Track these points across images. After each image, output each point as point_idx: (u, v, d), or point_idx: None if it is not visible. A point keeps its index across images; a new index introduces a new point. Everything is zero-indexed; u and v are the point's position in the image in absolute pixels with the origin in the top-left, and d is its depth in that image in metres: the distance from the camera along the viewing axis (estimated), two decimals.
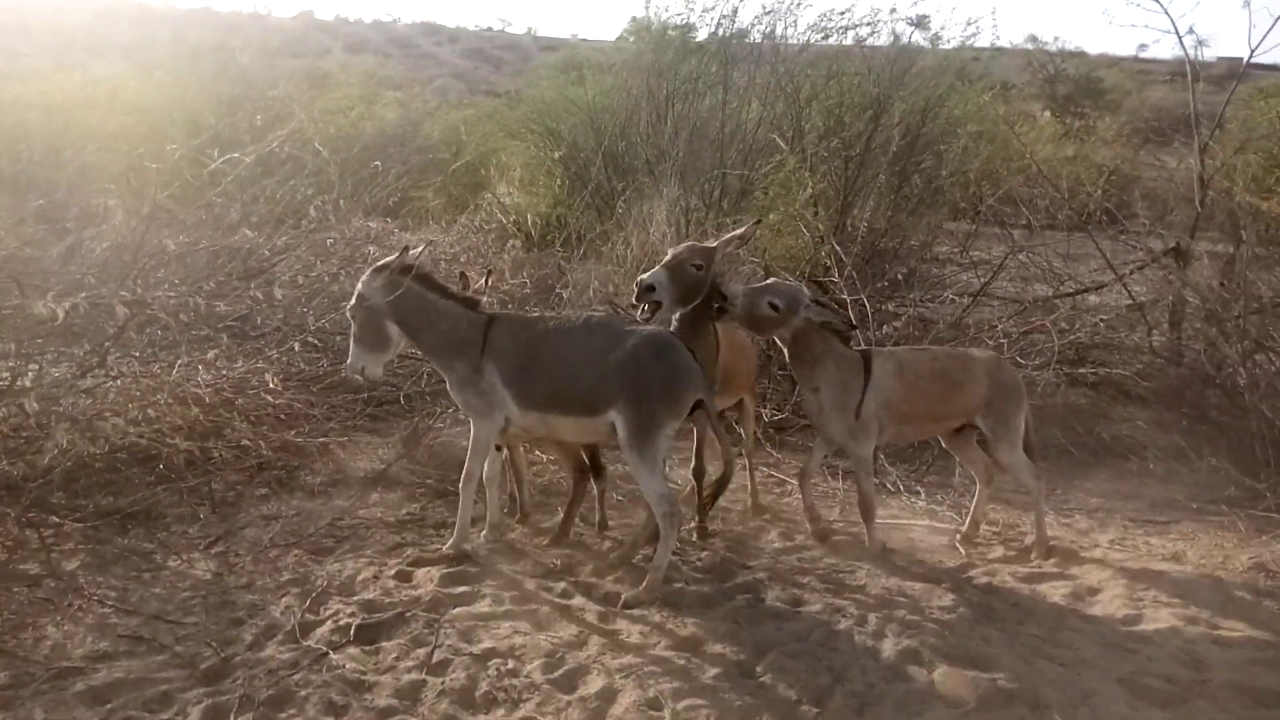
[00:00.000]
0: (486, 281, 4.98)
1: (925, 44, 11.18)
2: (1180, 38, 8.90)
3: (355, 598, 3.91)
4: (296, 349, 5.31)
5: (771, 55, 9.97)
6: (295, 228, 7.11)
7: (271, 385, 4.79)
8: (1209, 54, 21.53)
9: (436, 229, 9.72)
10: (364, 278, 4.27)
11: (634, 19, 12.92)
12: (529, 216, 9.96)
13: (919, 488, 5.64)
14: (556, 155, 10.59)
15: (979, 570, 4.45)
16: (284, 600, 3.88)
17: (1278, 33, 12.50)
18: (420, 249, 4.36)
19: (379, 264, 4.28)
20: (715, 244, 4.51)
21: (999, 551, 4.74)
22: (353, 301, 4.26)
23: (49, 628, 3.64)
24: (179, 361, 4.83)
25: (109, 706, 3.14)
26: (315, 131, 10.56)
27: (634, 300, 4.36)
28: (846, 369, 4.45)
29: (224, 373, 4.92)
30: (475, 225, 9.72)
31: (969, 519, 4.90)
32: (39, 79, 13.56)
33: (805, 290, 4.49)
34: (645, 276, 4.32)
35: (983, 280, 8.47)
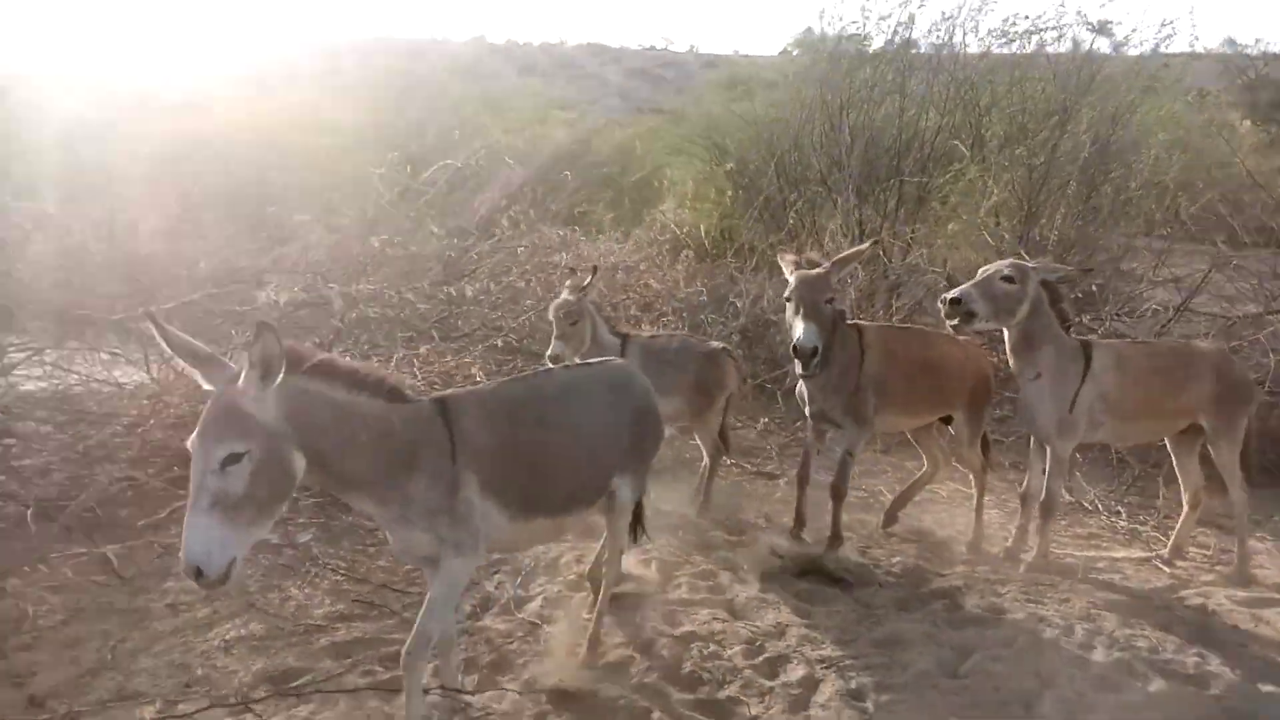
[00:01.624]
0: (593, 278, 4.97)
1: (1109, 51, 10.71)
2: None
3: (560, 578, 4.12)
4: (500, 345, 5.63)
5: (950, 63, 9.80)
6: (489, 236, 7.53)
7: (479, 379, 5.09)
8: None
9: (612, 240, 10.06)
10: (254, 387, 2.42)
11: (808, 29, 12.84)
12: (702, 228, 10.12)
13: (1119, 508, 5.41)
14: (728, 167, 10.73)
15: (1191, 592, 4.24)
16: (496, 577, 4.15)
17: None
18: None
19: (261, 357, 2.42)
20: (828, 265, 4.35)
21: (1211, 576, 4.50)
22: (226, 439, 2.38)
23: (292, 590, 4.03)
24: (396, 355, 5.20)
25: (350, 660, 3.45)
26: (503, 148, 11.16)
27: (944, 316, 4.18)
28: (1067, 356, 4.25)
29: (435, 366, 5.28)
30: (649, 238, 10.01)
31: (1172, 542, 4.68)
32: (243, 103, 14.79)
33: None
34: (950, 293, 4.17)
35: (1183, 295, 8.03)
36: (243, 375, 2.43)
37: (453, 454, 2.76)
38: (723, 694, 3.24)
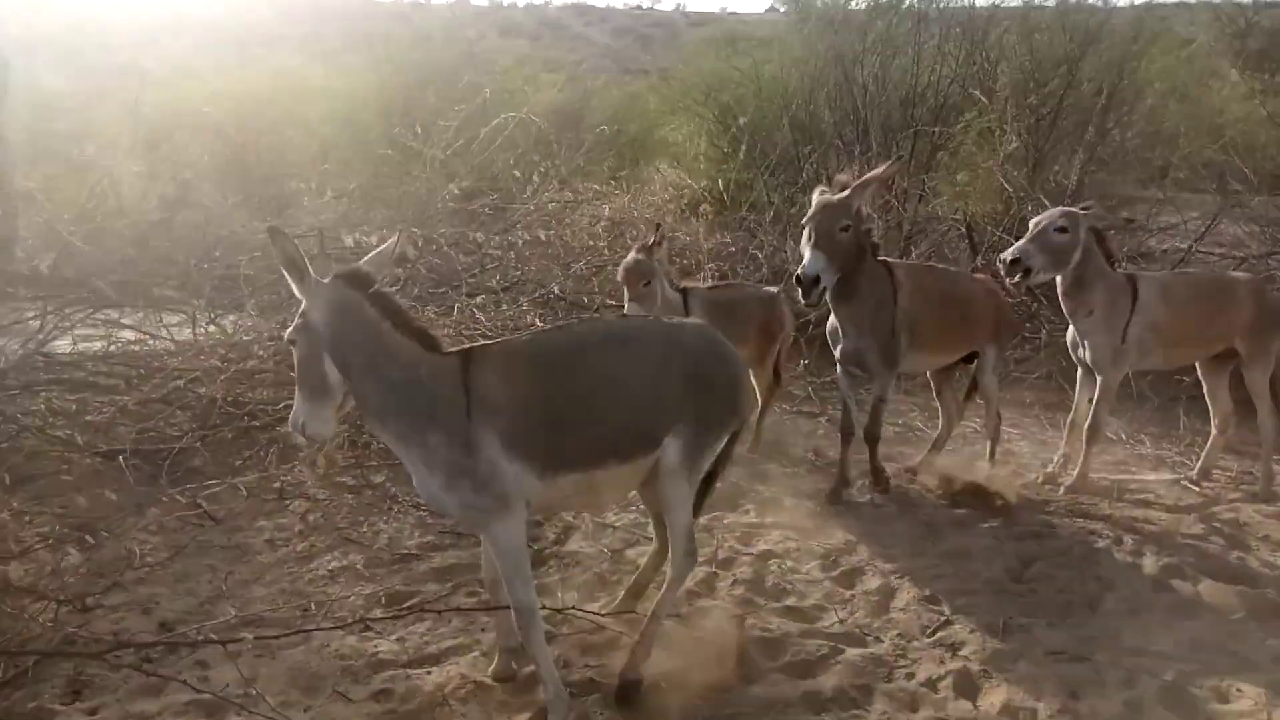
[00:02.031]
0: (657, 235, 4.82)
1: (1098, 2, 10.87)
2: None
3: (634, 507, 4.35)
4: (557, 291, 5.82)
5: (963, 15, 9.95)
6: (519, 193, 7.68)
7: (538, 325, 5.28)
8: None
9: (625, 197, 10.19)
10: (298, 288, 2.78)
11: None
12: (720, 183, 10.27)
13: (1143, 436, 5.69)
14: (741, 121, 10.84)
15: (1222, 507, 4.52)
16: None
17: None
18: (389, 245, 3.03)
19: (340, 271, 2.83)
20: (850, 190, 4.18)
21: (1237, 494, 4.77)
22: (294, 324, 2.81)
23: (380, 524, 4.25)
24: (456, 305, 5.39)
25: (451, 583, 3.69)
26: (509, 108, 11.22)
27: (1005, 275, 4.38)
28: (1116, 291, 4.51)
29: (493, 314, 5.47)
30: (667, 194, 10.16)
31: (1200, 464, 4.94)
32: (226, 71, 14.61)
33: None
34: (1009, 253, 4.37)
35: (1184, 242, 8.30)
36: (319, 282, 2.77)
37: (468, 411, 2.70)
38: (807, 602, 3.50)
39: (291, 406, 2.82)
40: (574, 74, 21.59)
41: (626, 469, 2.94)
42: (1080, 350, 4.67)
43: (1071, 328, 4.68)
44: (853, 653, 3.15)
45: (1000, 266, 4.40)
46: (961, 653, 3.13)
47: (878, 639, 3.25)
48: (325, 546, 4.03)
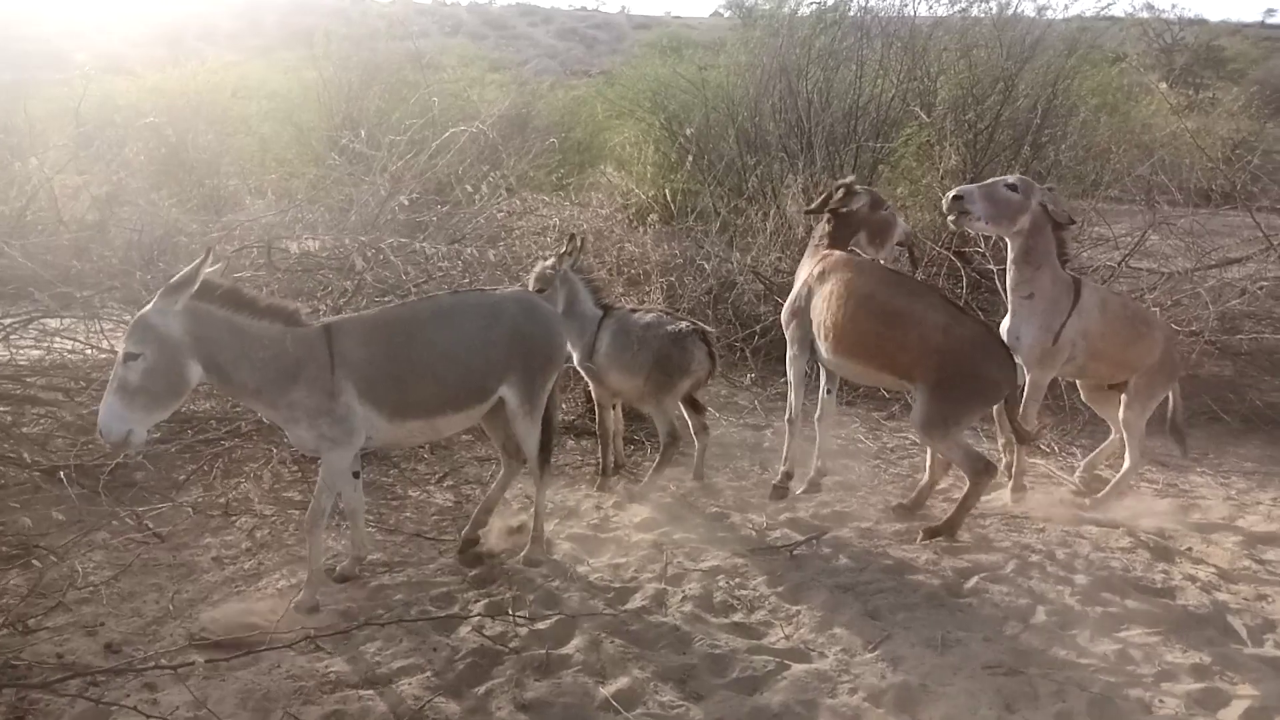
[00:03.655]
0: (569, 245, 4.82)
1: (1033, 14, 11.20)
2: None
3: (583, 522, 4.41)
4: None
5: (905, 30, 10.18)
6: (468, 203, 7.67)
7: None
8: None
9: (573, 205, 10.21)
10: (154, 304, 3.20)
11: None
12: (667, 193, 10.35)
13: (1074, 449, 5.89)
14: (688, 132, 10.94)
15: (1147, 520, 4.71)
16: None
17: None
18: (207, 258, 3.25)
19: (173, 282, 3.22)
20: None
21: (1165, 504, 4.97)
22: (131, 340, 3.17)
23: (329, 542, 4.21)
24: None
25: (405, 601, 3.69)
26: (453, 111, 11.13)
27: (945, 211, 4.46)
28: (1060, 286, 4.52)
29: None
30: (614, 203, 10.20)
31: (1086, 460, 5.17)
32: (160, 64, 14.23)
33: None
34: (954, 190, 4.46)
35: (1112, 254, 8.59)
36: (157, 297, 3.21)
37: (331, 367, 3.43)
38: (754, 618, 3.58)
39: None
40: (519, 75, 21.53)
41: (462, 415, 3.81)
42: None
43: (1005, 324, 4.67)
44: (798, 668, 3.23)
45: (944, 202, 4.45)
46: (902, 667, 3.24)
47: (822, 654, 3.34)
48: (274, 564, 4.00)
